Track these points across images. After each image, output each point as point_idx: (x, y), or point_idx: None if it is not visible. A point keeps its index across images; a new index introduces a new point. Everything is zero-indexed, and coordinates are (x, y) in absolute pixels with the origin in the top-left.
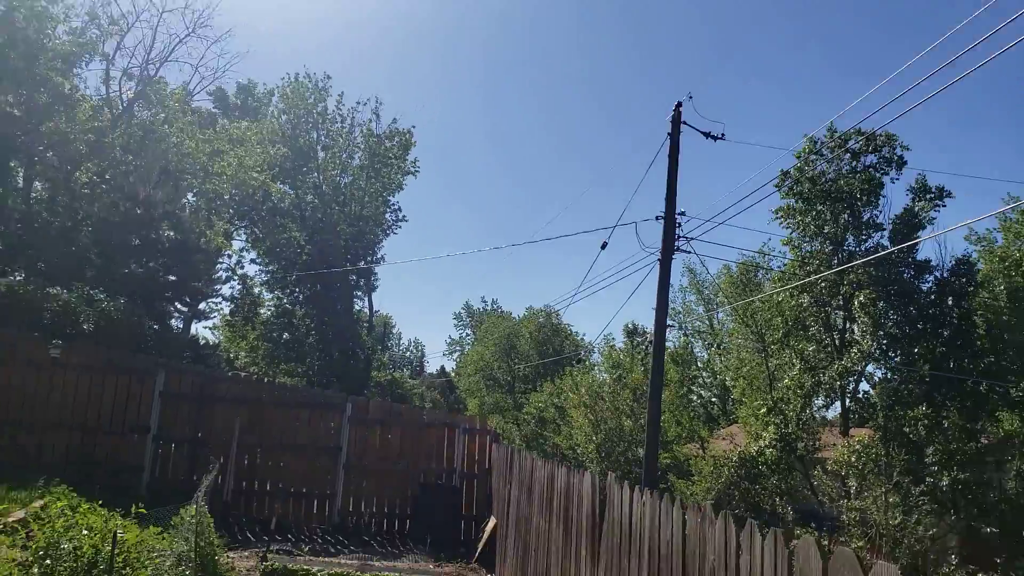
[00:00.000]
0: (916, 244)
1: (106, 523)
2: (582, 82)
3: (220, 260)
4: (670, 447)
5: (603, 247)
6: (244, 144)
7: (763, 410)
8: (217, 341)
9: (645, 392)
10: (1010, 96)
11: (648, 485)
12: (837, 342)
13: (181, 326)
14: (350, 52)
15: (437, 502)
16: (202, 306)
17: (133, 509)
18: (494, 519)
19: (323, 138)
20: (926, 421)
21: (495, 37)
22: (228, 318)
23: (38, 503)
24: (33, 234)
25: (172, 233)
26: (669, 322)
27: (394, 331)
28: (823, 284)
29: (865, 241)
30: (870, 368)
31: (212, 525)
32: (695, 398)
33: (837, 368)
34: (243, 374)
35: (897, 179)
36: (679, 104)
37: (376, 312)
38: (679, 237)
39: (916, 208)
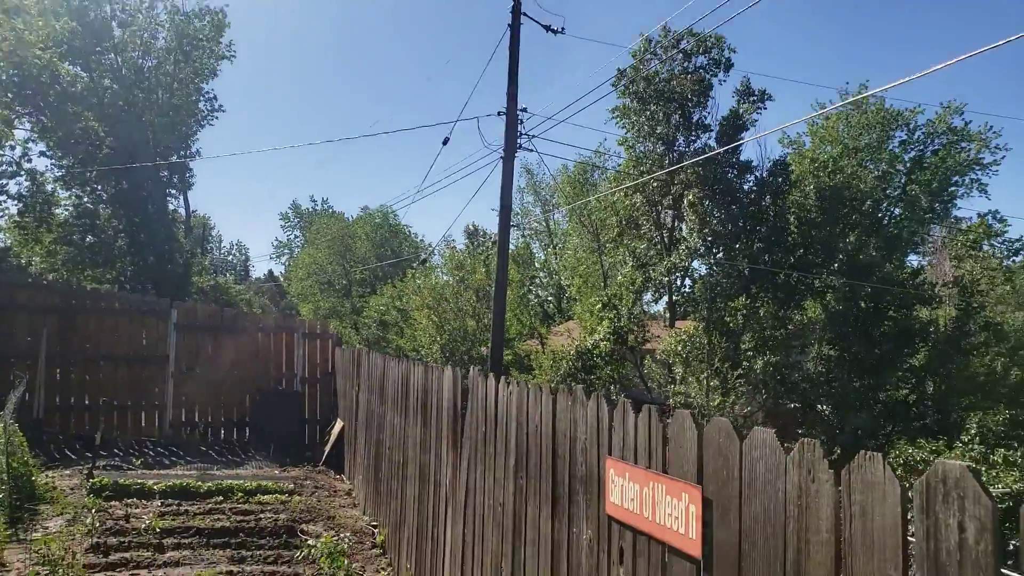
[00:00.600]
0: (739, 145)
1: None
2: None
3: (1, 152)
4: (512, 344)
5: (445, 143)
6: (22, 15)
7: (598, 306)
8: (6, 245)
9: (488, 292)
10: (830, 5)
11: None
12: (667, 240)
13: None
14: None
15: (278, 408)
16: None
17: None
18: (341, 422)
19: (118, 13)
20: (744, 311)
21: None
22: (17, 219)
23: None
24: None
25: None
26: (513, 221)
27: (214, 233)
28: (655, 184)
29: (694, 142)
30: (695, 264)
31: (25, 444)
32: (533, 298)
33: (666, 264)
34: (47, 279)
35: (724, 81)
36: None
37: (194, 212)
38: (521, 135)
39: (740, 110)
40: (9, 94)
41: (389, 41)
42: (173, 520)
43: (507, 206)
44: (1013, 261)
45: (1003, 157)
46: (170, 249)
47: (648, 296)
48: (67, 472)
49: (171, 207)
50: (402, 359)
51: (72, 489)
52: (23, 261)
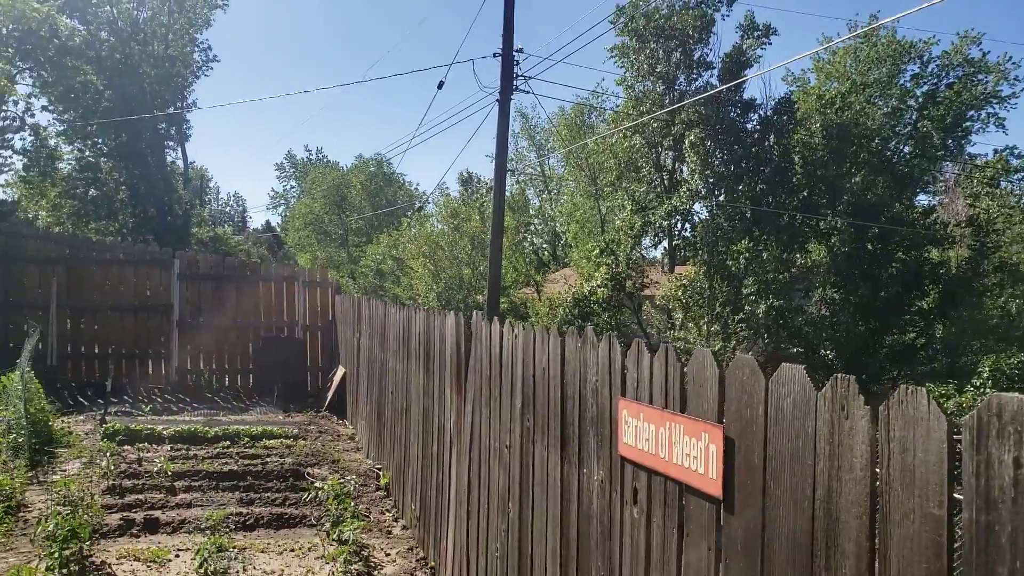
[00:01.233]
0: (743, 83)
1: None
2: None
3: (5, 107)
4: (507, 292)
5: (440, 86)
6: None
7: (595, 252)
8: (13, 199)
9: (483, 240)
10: None
11: None
12: (667, 182)
13: None
14: None
15: (281, 356)
16: None
17: None
18: (343, 368)
19: None
20: (746, 255)
21: None
22: (23, 174)
23: None
24: None
25: None
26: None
27: (212, 185)
28: (655, 124)
29: (696, 80)
30: (696, 207)
31: (41, 391)
32: (528, 245)
33: (666, 208)
34: (55, 231)
35: (728, 16)
36: None
37: (191, 164)
38: (517, 76)
39: (744, 46)
40: (10, 48)
41: None
42: (183, 464)
43: (503, 149)
44: None
45: (1023, 89)
46: (170, 201)
47: (647, 241)
48: (81, 418)
49: (169, 159)
50: (402, 306)
51: (87, 434)
52: (30, 215)
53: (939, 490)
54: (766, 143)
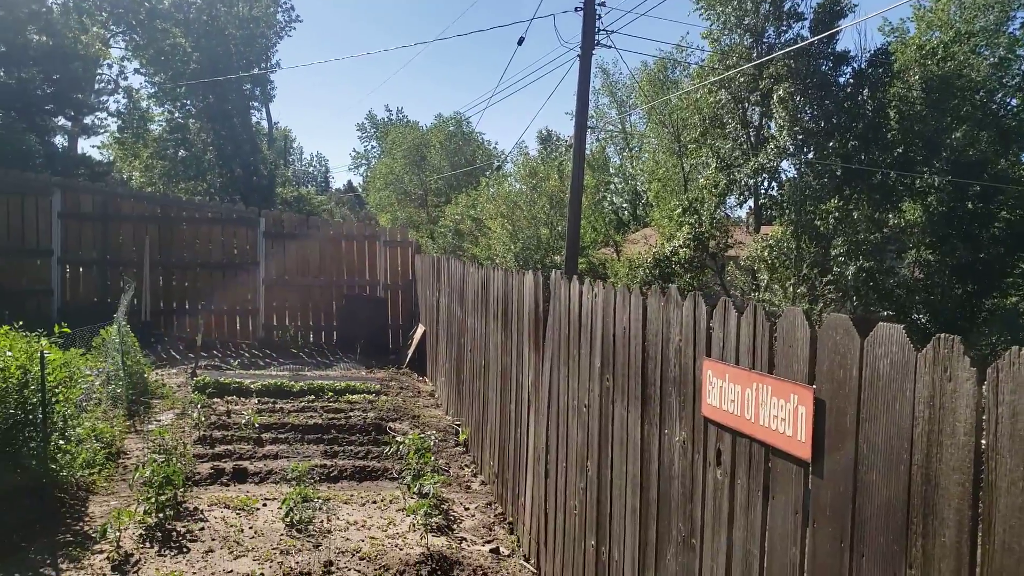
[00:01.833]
0: (836, 34)
1: (29, 345)
2: None
3: (100, 71)
4: (586, 252)
5: (520, 43)
6: None
7: (678, 211)
8: (109, 160)
9: (561, 200)
10: None
11: None
12: (753, 139)
13: (67, 143)
14: None
15: (363, 314)
16: (88, 120)
17: (56, 330)
18: (422, 326)
19: None
20: (836, 214)
21: None
22: (117, 135)
23: None
24: None
25: (43, 37)
26: (588, 124)
27: (295, 145)
28: (742, 79)
29: (785, 32)
30: (784, 164)
31: (137, 345)
32: (608, 204)
33: (752, 165)
34: (147, 191)
35: None
36: None
37: (276, 125)
38: (599, 30)
39: None
40: (104, 13)
41: None
42: (270, 417)
43: (583, 105)
44: None
45: None
46: (255, 161)
47: (732, 200)
48: (173, 371)
49: (254, 120)
50: (481, 266)
51: (179, 387)
52: (124, 175)
53: None
54: (859, 97)
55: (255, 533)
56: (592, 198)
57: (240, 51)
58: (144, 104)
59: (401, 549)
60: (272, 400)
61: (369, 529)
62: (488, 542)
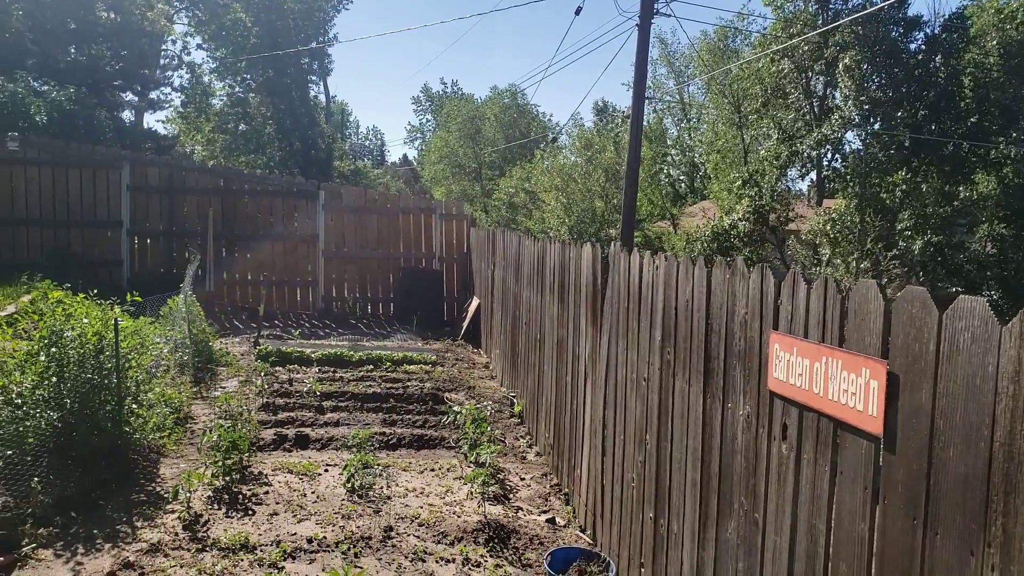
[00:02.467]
0: None
1: (104, 312)
2: None
3: (165, 47)
4: (642, 225)
5: (577, 12)
6: None
7: (737, 183)
8: (173, 134)
9: (617, 172)
10: None
11: None
12: (816, 109)
13: (133, 118)
14: None
15: (419, 286)
16: (154, 95)
17: (128, 298)
18: (477, 299)
19: None
20: (903, 187)
21: None
22: (180, 110)
23: (26, 297)
24: None
25: (111, 14)
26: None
27: (351, 119)
28: (806, 47)
29: None
30: (848, 136)
31: (202, 314)
32: (664, 177)
33: (816, 136)
34: (211, 163)
35: None
36: None
37: (333, 98)
38: None
39: None
40: None
41: None
42: (330, 385)
43: (641, 75)
44: None
45: None
46: (313, 135)
47: (793, 172)
48: (236, 340)
49: (312, 94)
50: (536, 239)
51: (242, 355)
52: (187, 150)
53: None
54: (931, 65)
55: (317, 497)
56: (649, 170)
57: (298, 25)
58: (206, 79)
59: (459, 516)
60: (332, 369)
61: (427, 496)
62: (544, 512)
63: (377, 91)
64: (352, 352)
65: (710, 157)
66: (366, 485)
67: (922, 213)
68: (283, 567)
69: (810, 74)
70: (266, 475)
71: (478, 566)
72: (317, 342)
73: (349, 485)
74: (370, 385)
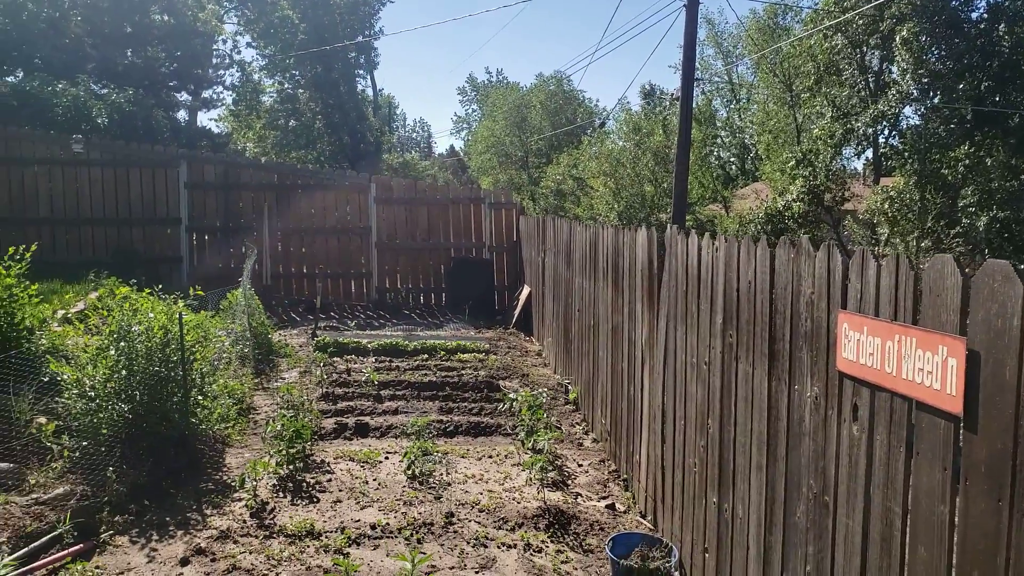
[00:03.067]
0: None
1: (168, 307)
2: None
3: (216, 46)
4: (693, 209)
5: None
6: None
7: (791, 163)
8: (227, 132)
9: (667, 155)
10: None
11: None
12: (872, 85)
13: (188, 117)
14: None
15: (470, 275)
16: (207, 94)
17: (191, 291)
18: (528, 287)
19: None
20: (966, 162)
21: None
22: (232, 108)
23: (94, 294)
24: (22, 28)
25: (165, 16)
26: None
27: (398, 112)
28: (860, 21)
29: None
30: (907, 111)
31: (261, 307)
32: (714, 159)
33: (872, 113)
34: (264, 159)
35: None
36: None
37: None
38: None
39: None
40: None
41: None
42: (387, 374)
43: (690, 56)
44: None
45: None
46: (362, 129)
47: (848, 151)
48: (294, 332)
49: (359, 88)
50: (588, 224)
51: (300, 346)
52: (239, 147)
53: None
54: (994, 34)
55: (379, 485)
56: (699, 153)
57: (345, 20)
58: (256, 77)
59: (518, 502)
60: (388, 359)
61: (486, 482)
62: (603, 498)
63: (423, 83)
64: (407, 342)
65: (761, 138)
66: (426, 472)
67: (987, 188)
68: (348, 553)
69: (865, 49)
70: (328, 463)
71: (539, 552)
72: (372, 332)
73: (409, 472)
74: (425, 374)
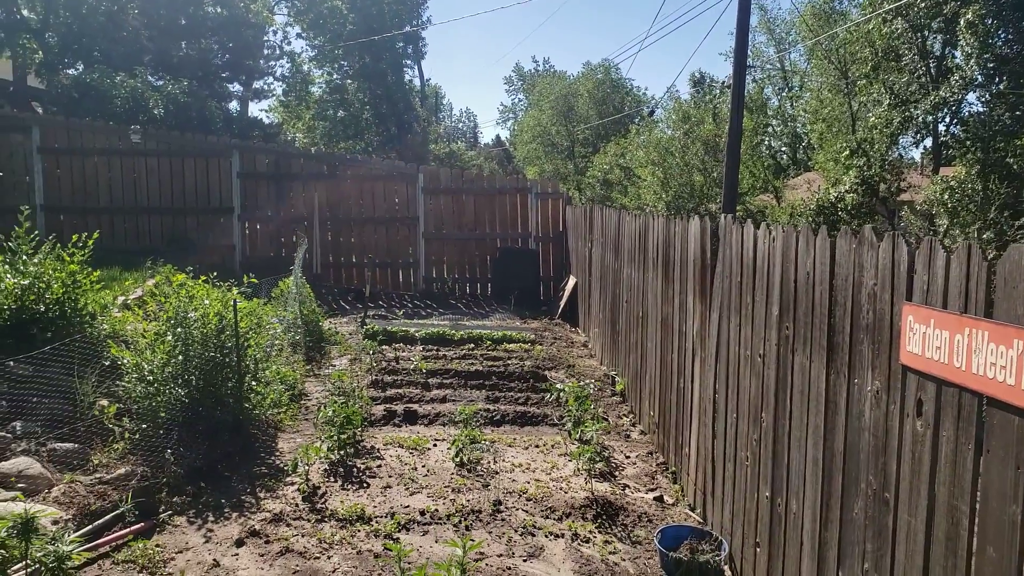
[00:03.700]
0: None
1: (223, 295)
2: None
3: (267, 38)
4: (743, 199)
5: None
6: None
7: (844, 153)
8: (277, 122)
9: (717, 144)
10: None
11: None
12: (933, 71)
13: (239, 108)
14: None
15: (516, 265)
16: (258, 85)
17: (245, 279)
18: (573, 278)
19: None
20: None
21: None
22: (282, 99)
23: (150, 282)
24: (82, 22)
25: (218, 8)
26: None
27: (445, 102)
28: (922, 4)
29: None
30: (970, 97)
31: (312, 296)
32: (765, 149)
33: (932, 99)
34: (313, 150)
35: None
36: None
37: (427, 81)
38: None
39: None
40: None
41: None
42: (434, 363)
43: (742, 42)
44: None
45: None
46: (409, 119)
47: (906, 140)
48: (344, 320)
49: (407, 78)
50: (636, 214)
51: (350, 334)
52: (289, 137)
53: None
54: None
55: (427, 471)
56: (749, 142)
57: (392, 10)
58: (305, 68)
59: (566, 492)
60: (435, 348)
61: (533, 472)
62: (651, 490)
63: (469, 72)
64: (454, 331)
65: (814, 127)
66: (474, 460)
67: None
68: (398, 538)
69: (927, 33)
70: (378, 449)
71: (587, 542)
72: (420, 321)
73: (457, 459)
74: (472, 363)
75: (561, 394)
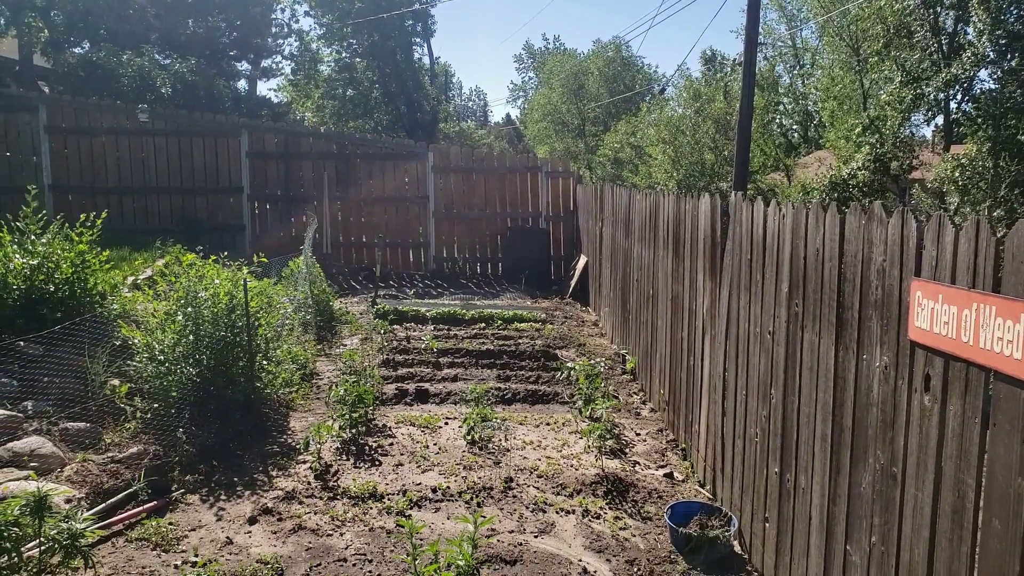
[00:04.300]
0: None
1: (233, 274)
2: None
3: (274, 16)
4: (754, 178)
5: None
6: None
7: (856, 130)
8: (284, 101)
9: (728, 122)
10: None
11: None
12: (945, 48)
13: (248, 87)
14: None
15: (527, 245)
16: (266, 63)
17: (255, 259)
18: (584, 257)
19: None
20: None
21: None
22: (291, 78)
23: (160, 261)
24: (88, 0)
25: None
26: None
27: (454, 80)
28: None
29: None
30: (982, 74)
31: (322, 275)
32: (776, 127)
33: (944, 76)
34: (323, 129)
35: None
36: None
37: (436, 60)
38: None
39: None
40: None
41: None
42: (445, 342)
43: (754, 17)
44: None
45: None
46: (418, 98)
47: (918, 117)
48: (355, 300)
49: (416, 56)
50: (648, 192)
51: (361, 314)
52: (298, 116)
53: None
54: None
55: (439, 449)
56: (761, 120)
57: None
58: (314, 46)
59: (576, 469)
60: (446, 327)
61: (544, 449)
62: (661, 467)
63: (479, 51)
64: (464, 311)
65: (826, 104)
66: (485, 438)
67: None
68: (410, 515)
69: (939, 9)
70: (390, 428)
71: (598, 518)
72: (430, 301)
73: (469, 437)
74: (483, 342)
75: (572, 372)
